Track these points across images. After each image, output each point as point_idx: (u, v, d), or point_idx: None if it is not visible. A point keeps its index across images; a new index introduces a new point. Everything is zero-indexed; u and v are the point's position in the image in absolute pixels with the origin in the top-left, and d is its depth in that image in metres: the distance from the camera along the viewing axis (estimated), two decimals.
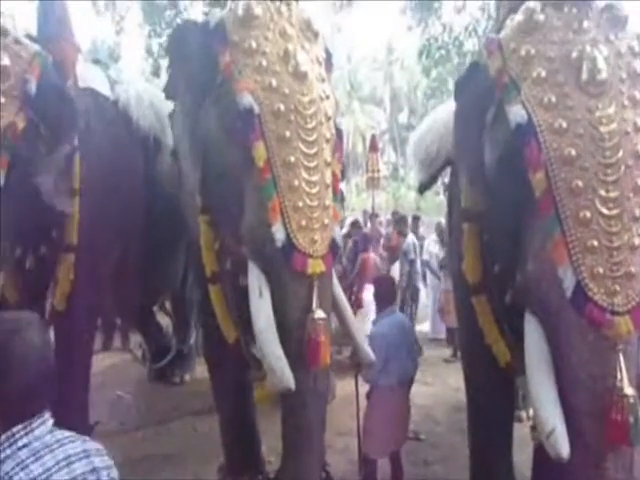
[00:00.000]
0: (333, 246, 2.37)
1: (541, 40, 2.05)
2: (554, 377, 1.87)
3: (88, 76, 3.64)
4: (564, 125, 1.92)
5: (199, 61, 2.44)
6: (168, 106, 3.11)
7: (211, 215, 2.69)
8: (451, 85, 10.15)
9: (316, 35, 2.44)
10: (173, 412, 4.58)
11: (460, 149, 2.50)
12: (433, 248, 6.70)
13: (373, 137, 7.19)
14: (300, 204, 2.23)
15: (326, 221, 2.31)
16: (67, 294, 3.21)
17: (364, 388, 3.38)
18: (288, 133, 2.22)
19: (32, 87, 2.79)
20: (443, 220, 5.43)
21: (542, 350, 1.91)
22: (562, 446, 1.76)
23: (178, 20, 8.59)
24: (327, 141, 2.35)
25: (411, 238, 6.93)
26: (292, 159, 2.22)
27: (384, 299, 3.36)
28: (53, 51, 3.20)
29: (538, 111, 1.96)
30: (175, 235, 4.39)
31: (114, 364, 5.64)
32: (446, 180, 3.68)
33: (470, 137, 2.31)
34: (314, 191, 2.26)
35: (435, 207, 15.80)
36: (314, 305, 2.21)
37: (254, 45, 2.27)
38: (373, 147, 7.67)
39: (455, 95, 2.51)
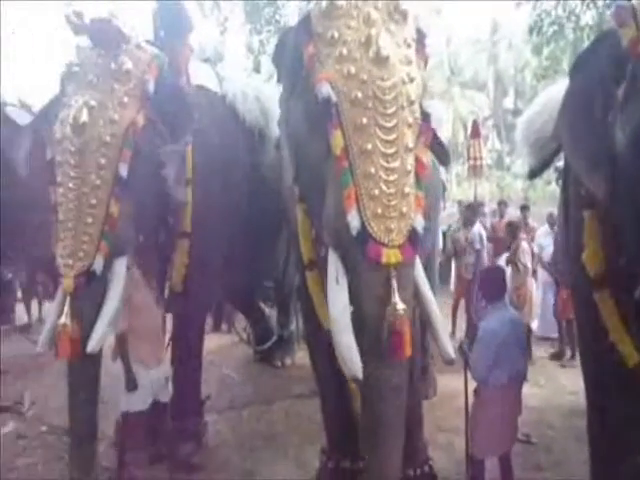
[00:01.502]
0: (413, 236, 2.27)
1: None
2: None
3: (199, 74, 3.88)
4: None
5: (289, 56, 2.49)
6: (272, 101, 3.22)
7: (306, 204, 2.74)
8: (566, 64, 9.39)
9: (404, 16, 2.35)
10: (276, 393, 4.77)
11: (577, 131, 2.30)
12: (544, 240, 6.25)
13: (475, 122, 6.86)
14: (376, 192, 2.18)
15: (404, 209, 2.22)
16: (183, 277, 3.49)
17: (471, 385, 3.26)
18: (365, 120, 2.18)
19: (151, 87, 3.03)
20: (555, 211, 5.03)
21: None
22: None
23: (277, 17, 8.87)
24: (409, 126, 2.26)
25: (477, 227, 6.54)
26: (369, 146, 2.19)
27: (493, 292, 3.17)
28: (169, 53, 3.45)
29: None
30: (278, 224, 4.56)
31: (222, 345, 6.02)
32: (560, 164, 3.40)
33: (591, 117, 2.11)
34: (392, 178, 2.20)
35: (546, 197, 14.76)
36: (394, 296, 2.15)
37: (336, 35, 2.27)
38: (475, 133, 7.33)
39: (573, 72, 2.31)
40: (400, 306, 2.13)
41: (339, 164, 2.21)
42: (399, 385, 2.28)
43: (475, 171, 8.09)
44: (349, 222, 2.17)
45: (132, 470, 3.20)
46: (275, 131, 3.18)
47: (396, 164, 2.21)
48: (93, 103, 2.83)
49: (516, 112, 23.51)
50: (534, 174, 3.41)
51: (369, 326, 2.20)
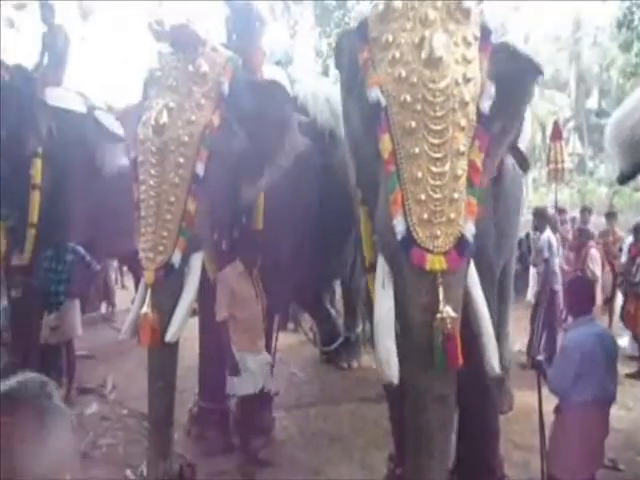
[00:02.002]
0: (461, 243, 2.18)
1: None
2: None
3: (272, 76, 3.97)
4: None
5: (346, 61, 2.50)
6: None
7: (367, 206, 2.72)
8: None
9: (466, 14, 2.27)
10: (343, 395, 4.76)
11: None
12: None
13: (556, 123, 6.51)
14: (423, 197, 2.14)
15: (452, 215, 2.15)
16: None
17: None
18: (414, 124, 2.15)
19: (226, 88, 3.14)
20: None
21: None
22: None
23: (346, 19, 8.92)
24: (461, 129, 2.19)
25: (547, 234, 6.06)
26: (416, 150, 2.15)
27: (580, 304, 2.96)
28: (242, 55, 3.56)
29: None
30: (347, 225, 4.55)
31: (290, 344, 6.08)
32: None
33: None
34: (439, 183, 2.14)
35: (632, 205, 13.69)
36: (442, 304, 2.09)
37: (390, 38, 2.26)
38: (556, 135, 6.96)
39: None
40: (451, 314, 2.08)
41: (387, 168, 2.21)
42: (443, 396, 2.23)
43: (556, 175, 7.59)
44: (394, 226, 2.16)
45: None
46: None
47: (444, 168, 2.16)
48: (172, 105, 2.97)
49: (600, 113, 22.09)
50: (626, 178, 3.16)
51: (411, 333, 2.18)
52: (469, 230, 2.20)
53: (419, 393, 2.20)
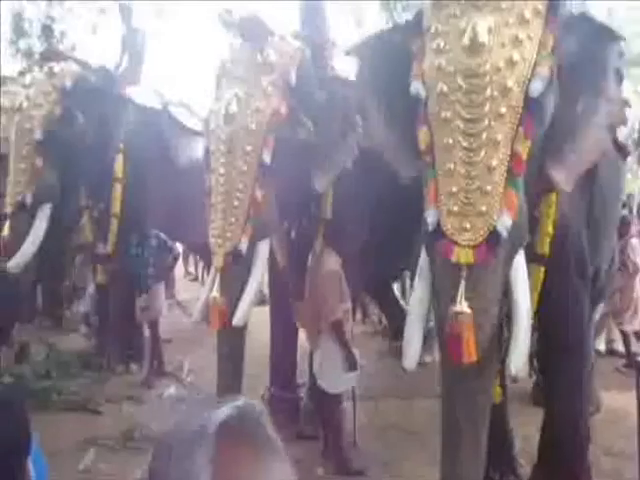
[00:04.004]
0: (493, 237, 2.06)
1: None
2: None
3: (341, 66, 3.92)
4: None
5: (396, 53, 2.45)
6: None
7: None
8: None
9: None
10: (414, 390, 4.64)
11: None
12: None
13: None
14: (454, 188, 2.08)
15: (484, 208, 2.05)
16: None
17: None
18: (449, 114, 2.10)
19: (293, 78, 3.14)
20: None
21: None
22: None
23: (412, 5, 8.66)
24: (500, 117, 2.06)
25: (634, 241, 5.42)
26: (450, 141, 2.10)
27: None
28: (312, 46, 3.55)
29: None
30: (417, 214, 4.42)
31: (356, 334, 6.02)
32: None
33: None
34: (472, 174, 2.06)
35: None
36: (458, 297, 2.02)
37: (439, 28, 2.20)
38: None
39: None
40: (459, 309, 2.01)
41: (424, 159, 2.21)
42: (474, 390, 2.17)
43: None
44: (426, 218, 2.16)
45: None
46: None
47: (477, 159, 2.07)
48: (241, 94, 3.02)
49: None
50: None
51: (440, 324, 2.18)
52: (504, 223, 2.08)
53: (449, 386, 2.23)
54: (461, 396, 2.20)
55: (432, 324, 5.53)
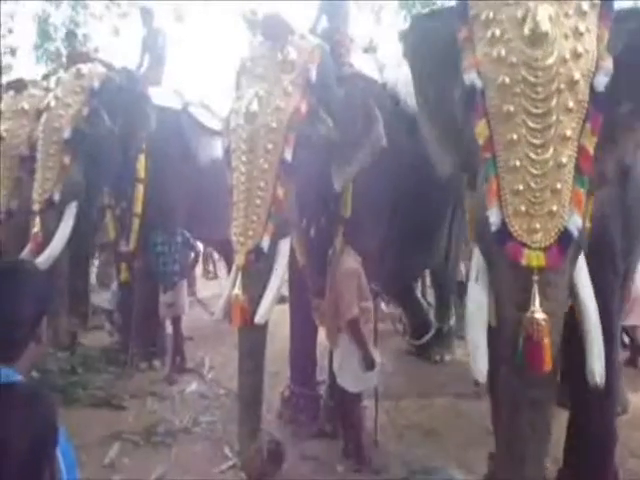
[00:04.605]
0: (564, 238, 1.99)
1: None
2: None
3: (360, 63, 3.91)
4: None
5: (440, 42, 2.35)
6: None
7: None
8: None
9: None
10: (435, 389, 4.61)
11: None
12: None
13: None
14: (520, 187, 1.98)
15: (554, 208, 1.97)
16: None
17: None
18: (512, 107, 2.00)
19: (313, 75, 3.14)
20: None
21: None
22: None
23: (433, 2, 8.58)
24: (568, 111, 1.98)
25: None
26: (514, 136, 2.00)
27: None
28: (331, 42, 3.54)
29: None
30: (440, 214, 4.39)
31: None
32: None
33: None
34: (540, 172, 1.97)
35: None
36: (533, 303, 1.95)
37: (491, 15, 2.10)
38: None
39: None
40: (539, 315, 1.94)
41: (482, 155, 2.09)
42: (537, 400, 2.08)
43: None
44: (488, 217, 2.04)
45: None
46: None
47: (546, 156, 1.98)
48: (262, 93, 3.03)
49: None
50: None
51: (504, 331, 2.06)
52: (574, 224, 2.00)
53: (511, 395, 2.11)
54: (527, 406, 2.09)
55: (452, 322, 5.53)
